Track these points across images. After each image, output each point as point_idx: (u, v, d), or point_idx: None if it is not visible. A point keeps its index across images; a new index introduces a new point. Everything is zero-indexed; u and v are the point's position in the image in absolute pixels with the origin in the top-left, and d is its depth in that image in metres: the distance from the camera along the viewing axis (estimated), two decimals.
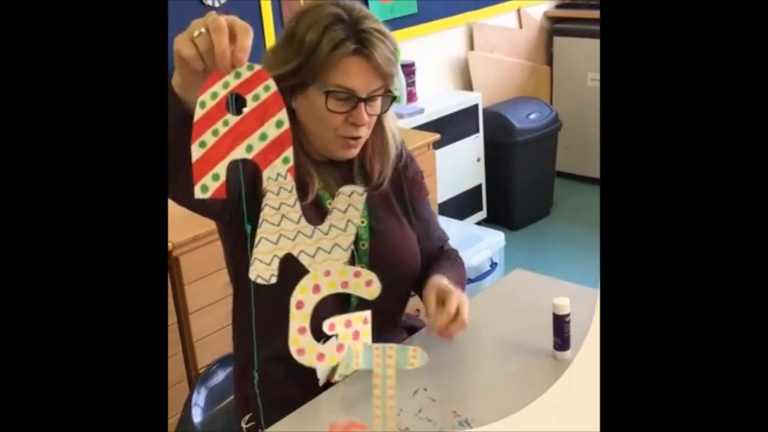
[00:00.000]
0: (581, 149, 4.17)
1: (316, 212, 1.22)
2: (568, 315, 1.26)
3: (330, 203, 1.23)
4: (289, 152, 0.76)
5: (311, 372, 1.24)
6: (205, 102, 0.74)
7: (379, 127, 1.25)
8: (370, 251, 1.26)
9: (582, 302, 1.50)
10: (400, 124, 2.14)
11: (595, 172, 4.21)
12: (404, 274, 1.32)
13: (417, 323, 1.51)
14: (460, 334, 1.26)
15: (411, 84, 3.24)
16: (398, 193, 1.34)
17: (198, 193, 0.75)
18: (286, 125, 0.76)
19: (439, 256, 1.46)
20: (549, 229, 3.80)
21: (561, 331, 1.26)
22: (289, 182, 0.76)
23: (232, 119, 0.75)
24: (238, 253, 1.20)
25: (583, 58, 3.98)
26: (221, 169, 0.74)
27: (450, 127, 3.31)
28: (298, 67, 1.13)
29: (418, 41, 3.31)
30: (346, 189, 0.82)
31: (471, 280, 2.80)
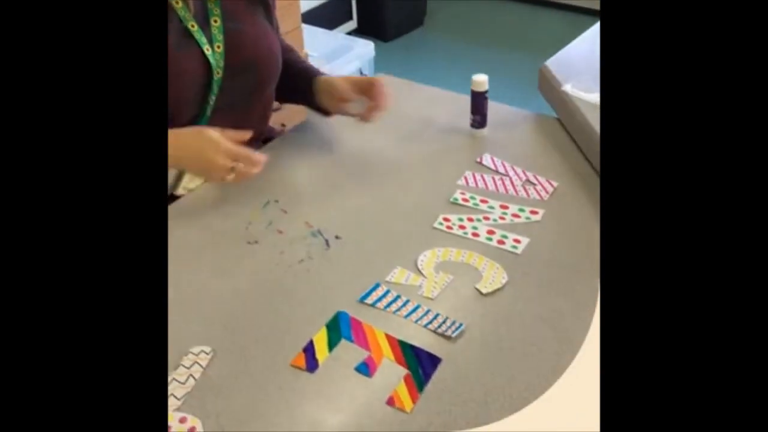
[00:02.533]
0: None
1: (179, 36, 1.11)
2: (486, 92, 1.28)
3: (192, 26, 1.13)
4: None
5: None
6: None
7: None
8: (225, 53, 1.15)
9: (448, 107, 1.43)
10: None
11: None
12: (263, 75, 1.23)
13: (274, 135, 1.40)
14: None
15: None
16: None
17: None
18: None
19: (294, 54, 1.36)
20: (422, 39, 3.68)
21: (480, 108, 1.29)
22: None
23: None
24: None
25: None
26: None
27: None
28: None
29: None
30: (195, 348, 0.86)
31: None
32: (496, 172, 1.22)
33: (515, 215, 1.10)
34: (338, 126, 1.36)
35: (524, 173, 1.21)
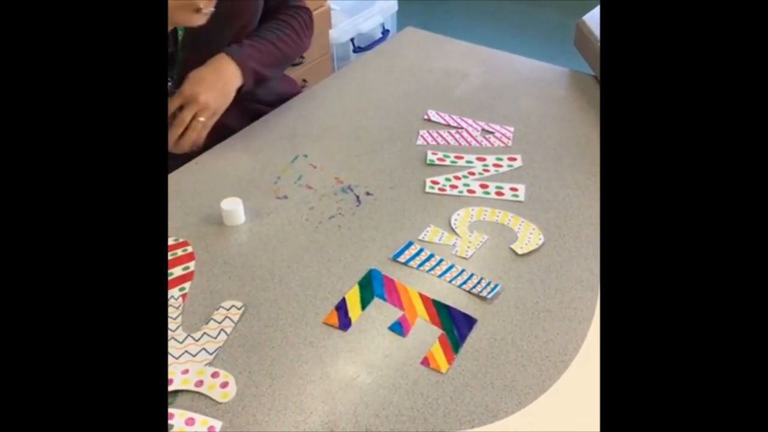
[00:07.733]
0: None
1: None
2: None
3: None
4: (187, 285, 0.88)
5: None
6: None
7: None
8: None
9: (475, 61, 1.39)
10: None
11: None
12: (237, 12, 1.13)
13: (296, 91, 1.37)
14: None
15: None
16: None
17: None
18: (192, 268, 0.91)
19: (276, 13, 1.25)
20: None
21: None
22: (179, 303, 0.86)
23: None
24: None
25: None
26: None
27: None
28: None
29: None
30: (226, 303, 0.85)
31: (361, 49, 2.63)
32: (449, 126, 1.19)
33: (497, 165, 1.09)
34: (367, 81, 1.32)
35: (476, 123, 1.19)
